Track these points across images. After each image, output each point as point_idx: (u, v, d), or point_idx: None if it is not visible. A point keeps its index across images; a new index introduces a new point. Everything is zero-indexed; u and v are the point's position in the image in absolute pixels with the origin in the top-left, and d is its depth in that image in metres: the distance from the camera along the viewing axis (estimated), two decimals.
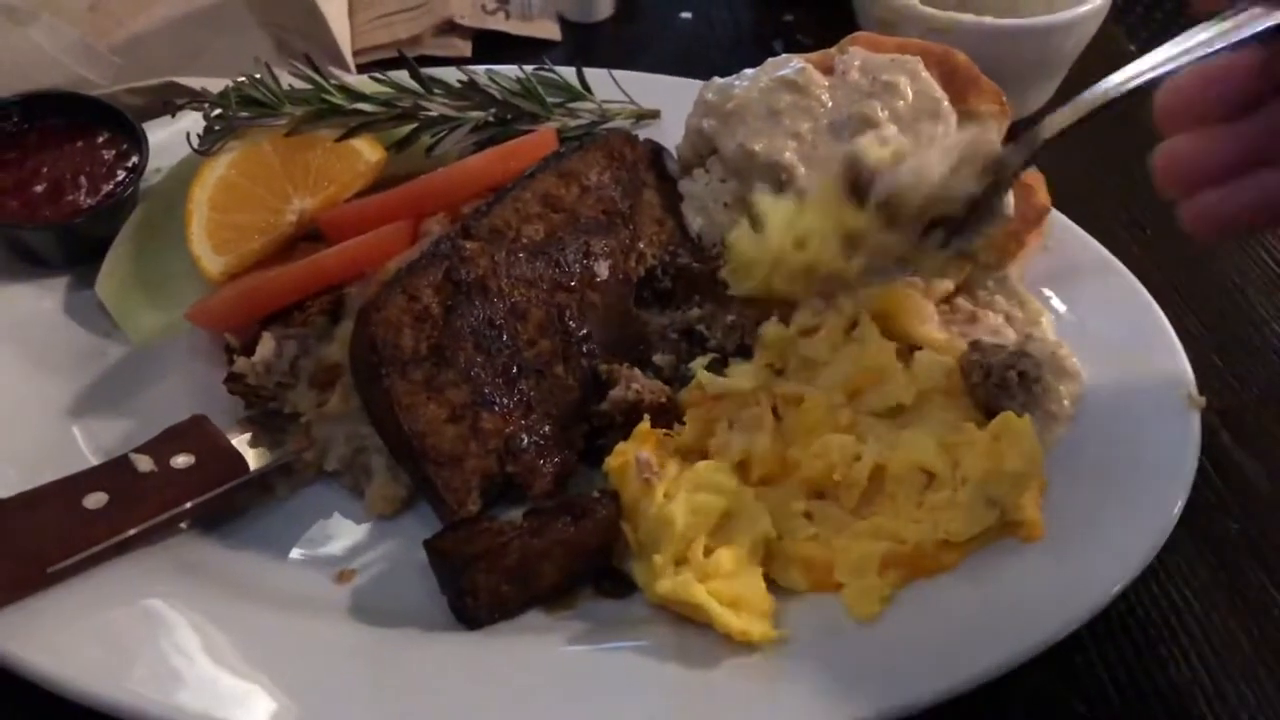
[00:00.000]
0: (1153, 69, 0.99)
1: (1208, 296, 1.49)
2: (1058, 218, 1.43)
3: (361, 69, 1.82)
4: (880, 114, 1.34)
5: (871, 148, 1.24)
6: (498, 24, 1.92)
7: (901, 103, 1.35)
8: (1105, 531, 1.15)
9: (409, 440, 1.14)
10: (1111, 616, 1.18)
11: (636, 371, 1.21)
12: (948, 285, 1.38)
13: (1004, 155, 1.18)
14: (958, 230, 1.21)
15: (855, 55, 1.39)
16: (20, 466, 1.21)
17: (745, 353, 1.30)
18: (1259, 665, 1.16)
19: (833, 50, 1.42)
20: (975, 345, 1.23)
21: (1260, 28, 0.87)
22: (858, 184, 1.23)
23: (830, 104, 1.36)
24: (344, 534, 1.21)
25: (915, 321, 1.29)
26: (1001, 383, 1.20)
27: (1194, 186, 0.90)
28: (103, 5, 1.83)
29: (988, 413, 1.20)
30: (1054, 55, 1.66)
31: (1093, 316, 1.36)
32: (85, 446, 1.27)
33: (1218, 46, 0.90)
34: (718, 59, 1.90)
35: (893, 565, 1.12)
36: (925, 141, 1.29)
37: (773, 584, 1.13)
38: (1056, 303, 1.38)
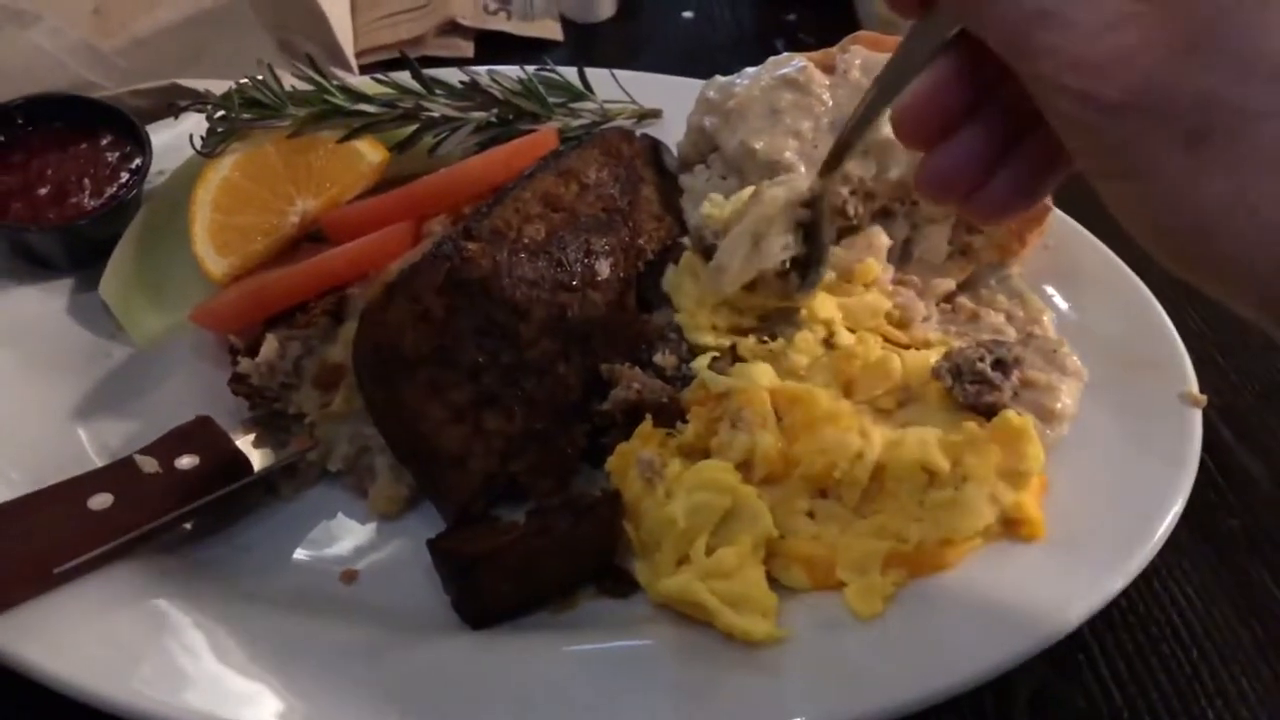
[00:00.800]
0: (878, 101, 0.98)
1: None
2: (1059, 216, 1.43)
3: (364, 69, 1.82)
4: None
5: (710, 211, 1.28)
6: (500, 24, 1.93)
7: None
8: (1106, 530, 1.15)
9: (412, 441, 1.14)
10: (1113, 614, 1.18)
11: (637, 371, 1.22)
12: (949, 284, 1.39)
13: (808, 193, 1.19)
14: (807, 265, 1.23)
15: (856, 54, 1.39)
16: (25, 468, 1.21)
17: None
18: (1260, 662, 1.16)
19: (834, 49, 1.42)
20: (945, 355, 1.23)
21: (947, 36, 0.86)
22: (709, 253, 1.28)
23: (831, 103, 1.36)
24: (348, 534, 1.22)
25: (898, 329, 1.30)
26: (978, 377, 1.20)
27: (925, 135, 0.89)
28: (106, 7, 1.84)
29: (979, 412, 1.20)
30: None
31: (1094, 314, 1.36)
32: (90, 448, 1.27)
33: (917, 64, 0.89)
34: (719, 58, 1.90)
35: (895, 564, 1.12)
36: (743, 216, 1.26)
37: (775, 582, 1.13)
38: (1058, 301, 1.38)
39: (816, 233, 1.21)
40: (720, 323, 1.29)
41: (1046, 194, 0.93)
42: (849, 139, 1.06)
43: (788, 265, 1.23)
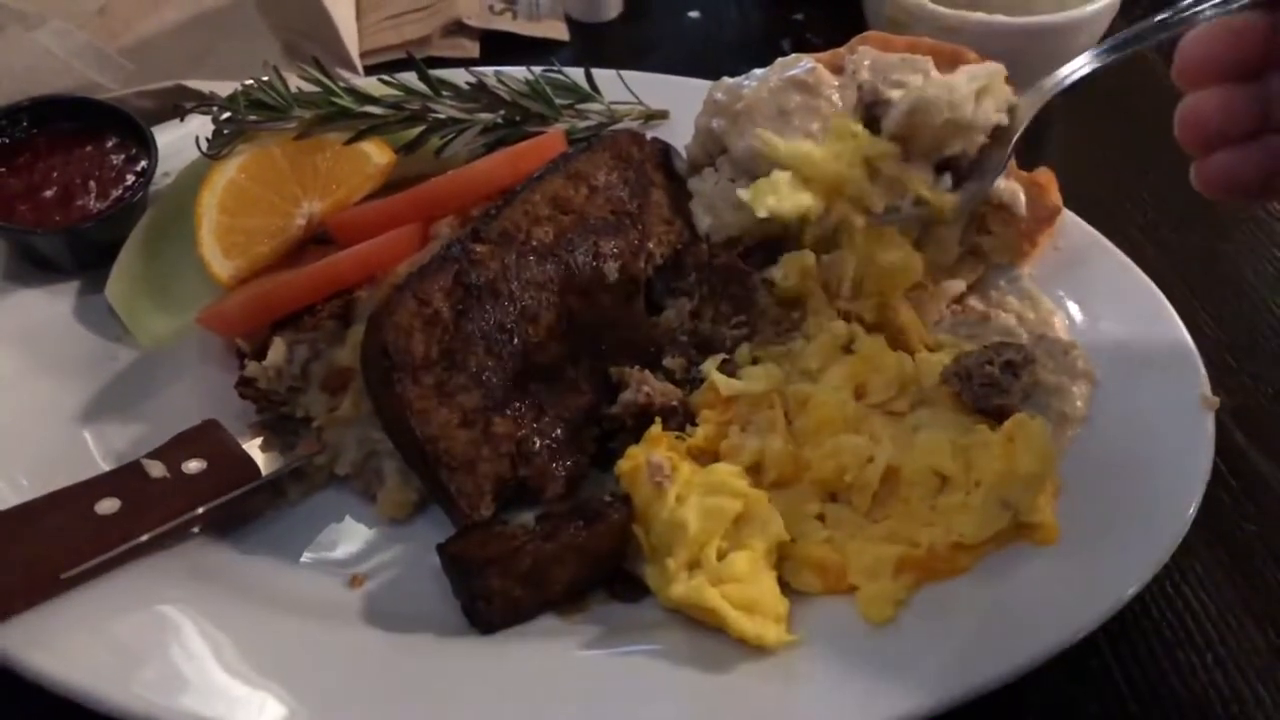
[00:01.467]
0: (1156, 25, 1.04)
1: (1222, 296, 1.48)
2: (1070, 217, 1.42)
3: (370, 70, 1.81)
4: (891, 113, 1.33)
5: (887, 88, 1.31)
6: (505, 25, 1.92)
7: None
8: (1120, 534, 1.14)
9: (421, 445, 1.14)
10: (1126, 619, 1.17)
11: (647, 374, 1.21)
12: (960, 285, 1.38)
13: (1018, 100, 1.25)
14: (966, 175, 1.26)
15: (865, 55, 1.38)
16: (33, 472, 1.21)
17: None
18: (1276, 667, 1.15)
19: (842, 50, 1.41)
20: (954, 359, 1.23)
21: None
22: (872, 114, 1.30)
23: (840, 104, 1.35)
24: (356, 538, 1.21)
25: (912, 332, 1.29)
26: (987, 380, 1.19)
27: (1211, 145, 0.93)
28: (111, 8, 1.83)
29: (989, 416, 1.19)
30: (1065, 53, 1.62)
31: (1105, 316, 1.35)
32: (97, 451, 1.27)
33: (1225, 7, 0.93)
34: (727, 59, 1.88)
35: (906, 568, 1.11)
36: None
37: (786, 586, 1.12)
38: (1069, 303, 1.36)
39: (998, 142, 1.25)
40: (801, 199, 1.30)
41: None
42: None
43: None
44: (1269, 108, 0.91)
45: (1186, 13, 0.98)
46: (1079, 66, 1.12)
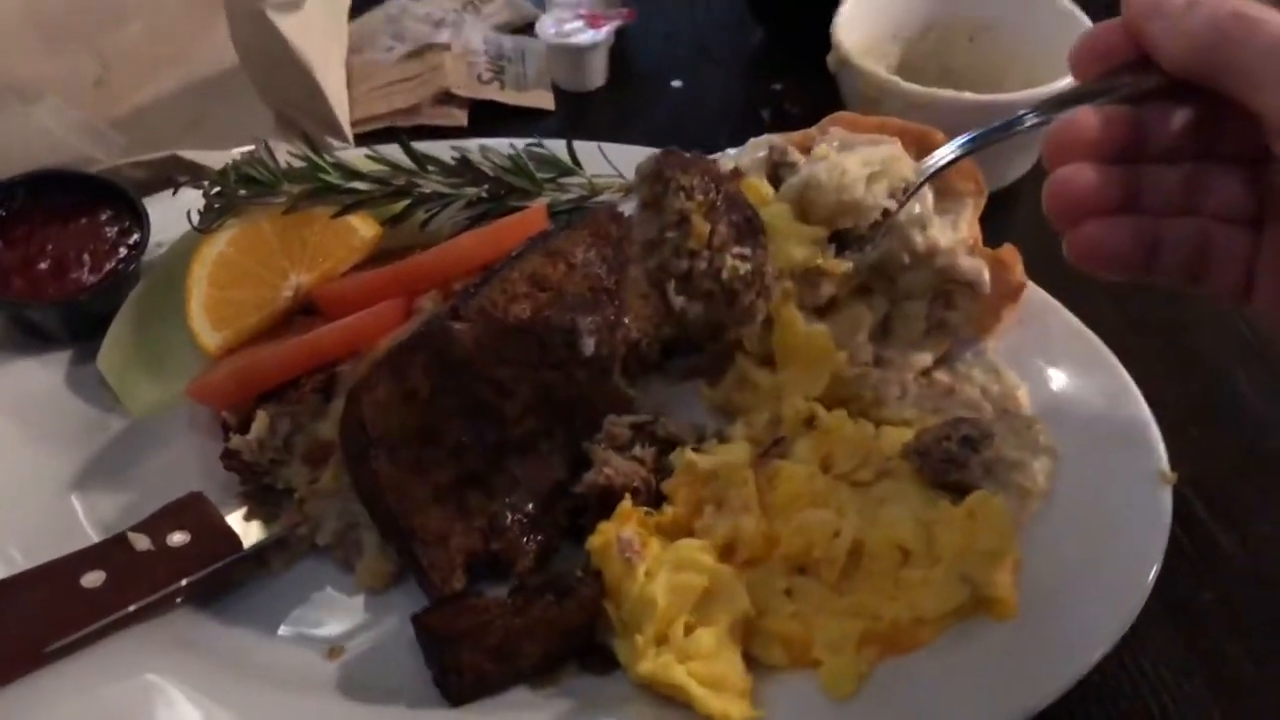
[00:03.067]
0: (1039, 109, 1.09)
1: (1186, 367, 1.52)
2: (1034, 291, 1.46)
3: (360, 138, 1.86)
4: (859, 193, 1.38)
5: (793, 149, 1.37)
6: (493, 94, 1.97)
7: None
8: (1079, 607, 1.17)
9: (395, 519, 1.17)
10: (1085, 687, 1.19)
11: (611, 454, 1.24)
12: (927, 358, 1.42)
13: (909, 177, 1.30)
14: (854, 244, 1.33)
15: (834, 136, 1.43)
16: (23, 541, 1.25)
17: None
18: None
19: (813, 130, 1.46)
20: (915, 435, 1.26)
21: (1131, 90, 0.96)
22: (776, 174, 1.38)
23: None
24: (335, 608, 1.24)
25: (874, 406, 1.33)
26: (946, 456, 1.23)
27: (1080, 216, 0.96)
28: (109, 79, 1.89)
29: (950, 491, 1.23)
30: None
31: (1068, 390, 1.38)
32: (86, 520, 1.30)
33: (1095, 98, 0.98)
34: (708, 127, 1.95)
35: (869, 642, 1.14)
36: (846, 151, 1.37)
37: (753, 660, 1.15)
38: (1033, 375, 1.40)
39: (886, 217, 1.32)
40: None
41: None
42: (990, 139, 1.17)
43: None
44: (1137, 191, 0.96)
45: (1057, 109, 1.03)
46: (943, 155, 1.18)
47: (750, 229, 1.33)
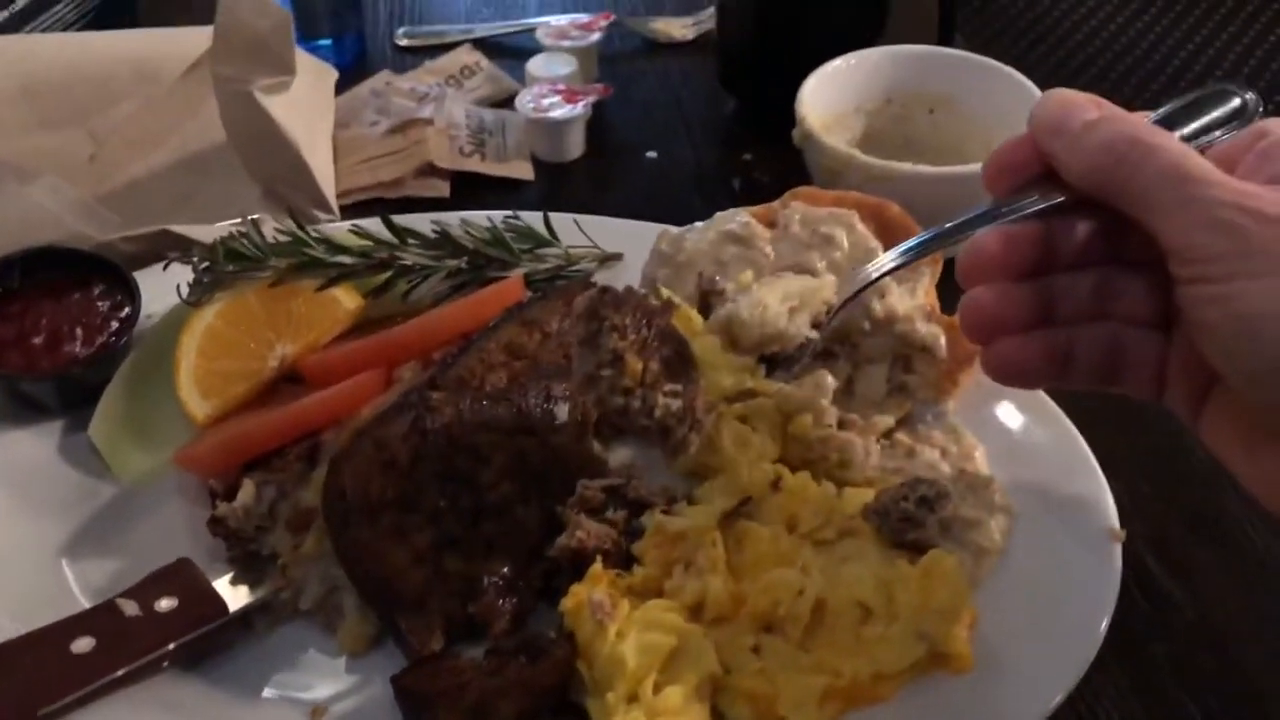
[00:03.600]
0: (946, 232, 1.13)
1: (1139, 424, 1.57)
2: None
3: (346, 209, 1.93)
4: (819, 264, 1.45)
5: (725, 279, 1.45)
6: (474, 166, 2.04)
7: (839, 253, 1.46)
8: (1032, 659, 1.22)
9: (374, 583, 1.22)
10: None
11: (584, 517, 1.29)
12: (889, 420, 1.47)
13: (830, 301, 1.38)
14: (783, 365, 1.41)
15: (796, 209, 1.50)
16: (14, 607, 1.29)
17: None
18: None
19: (776, 204, 1.53)
20: (875, 496, 1.32)
21: (1038, 207, 1.00)
22: (706, 301, 1.46)
23: (773, 255, 1.46)
24: (317, 670, 1.28)
25: (839, 467, 1.39)
26: (903, 516, 1.28)
27: (993, 335, 1.02)
28: (102, 156, 1.96)
29: (908, 549, 1.28)
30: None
31: (1022, 450, 1.44)
32: (76, 586, 1.34)
33: (1005, 217, 1.02)
34: (681, 195, 2.02)
35: (831, 698, 1.19)
36: (768, 282, 1.45)
37: (721, 717, 1.20)
38: (989, 436, 1.46)
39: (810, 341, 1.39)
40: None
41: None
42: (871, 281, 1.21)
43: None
44: (1049, 303, 1.00)
45: (973, 227, 1.06)
46: (882, 264, 1.21)
47: (682, 363, 1.41)
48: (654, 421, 1.39)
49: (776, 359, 1.43)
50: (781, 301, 1.40)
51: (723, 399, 1.41)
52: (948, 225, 1.11)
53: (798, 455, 1.43)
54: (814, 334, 1.41)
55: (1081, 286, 0.99)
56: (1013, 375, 1.03)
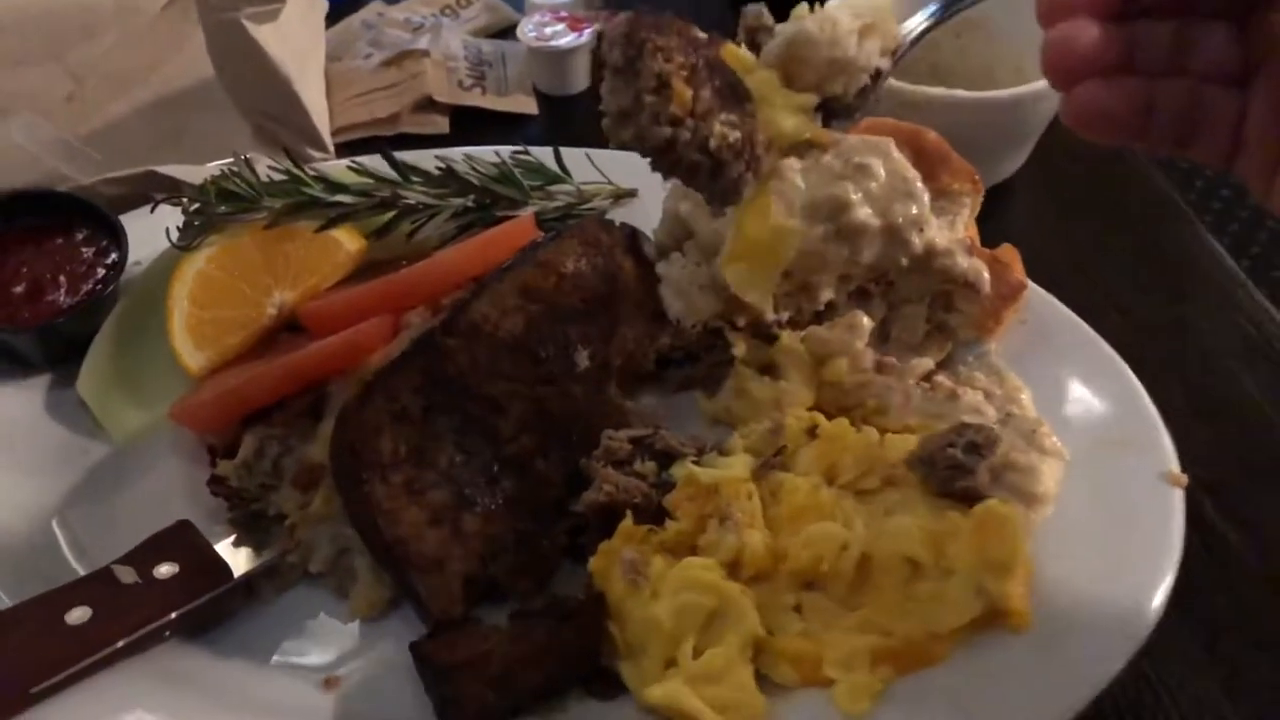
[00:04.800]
0: None
1: (1191, 367, 1.50)
2: (1035, 291, 1.44)
3: (341, 147, 1.83)
4: (853, 196, 1.35)
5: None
6: (474, 100, 1.93)
7: (874, 184, 1.36)
8: (1094, 617, 1.14)
9: (389, 544, 1.14)
10: (1102, 698, 1.16)
11: (609, 470, 1.21)
12: (928, 363, 1.39)
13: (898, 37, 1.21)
14: (842, 114, 1.23)
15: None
16: (3, 578, 1.21)
17: None
18: None
19: None
20: (919, 443, 1.23)
21: None
22: (754, 40, 1.24)
23: (804, 187, 1.36)
24: (329, 637, 1.20)
25: (876, 414, 1.30)
26: (951, 463, 1.20)
27: (1077, 76, 0.92)
28: (80, 94, 1.84)
29: (958, 499, 1.20)
30: (1026, 124, 1.67)
31: (1072, 392, 1.35)
32: (69, 552, 1.26)
33: None
34: None
35: (882, 659, 1.11)
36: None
37: (764, 679, 1.12)
38: (1036, 378, 1.37)
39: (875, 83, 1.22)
40: None
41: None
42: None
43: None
44: (1134, 50, 0.92)
45: None
46: (919, 22, 1.12)
47: (736, 95, 1.17)
48: (707, 156, 1.14)
49: (834, 107, 1.22)
50: (853, 19, 1.19)
51: (780, 146, 1.21)
52: None
53: (832, 402, 1.35)
54: (885, 63, 1.22)
55: (1161, 35, 0.92)
56: (1096, 122, 0.93)
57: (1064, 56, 0.92)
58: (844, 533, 1.18)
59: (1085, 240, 1.71)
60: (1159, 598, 1.15)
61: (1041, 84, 1.61)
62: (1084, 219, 1.75)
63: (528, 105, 1.95)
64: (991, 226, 1.49)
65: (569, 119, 1.95)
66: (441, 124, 1.91)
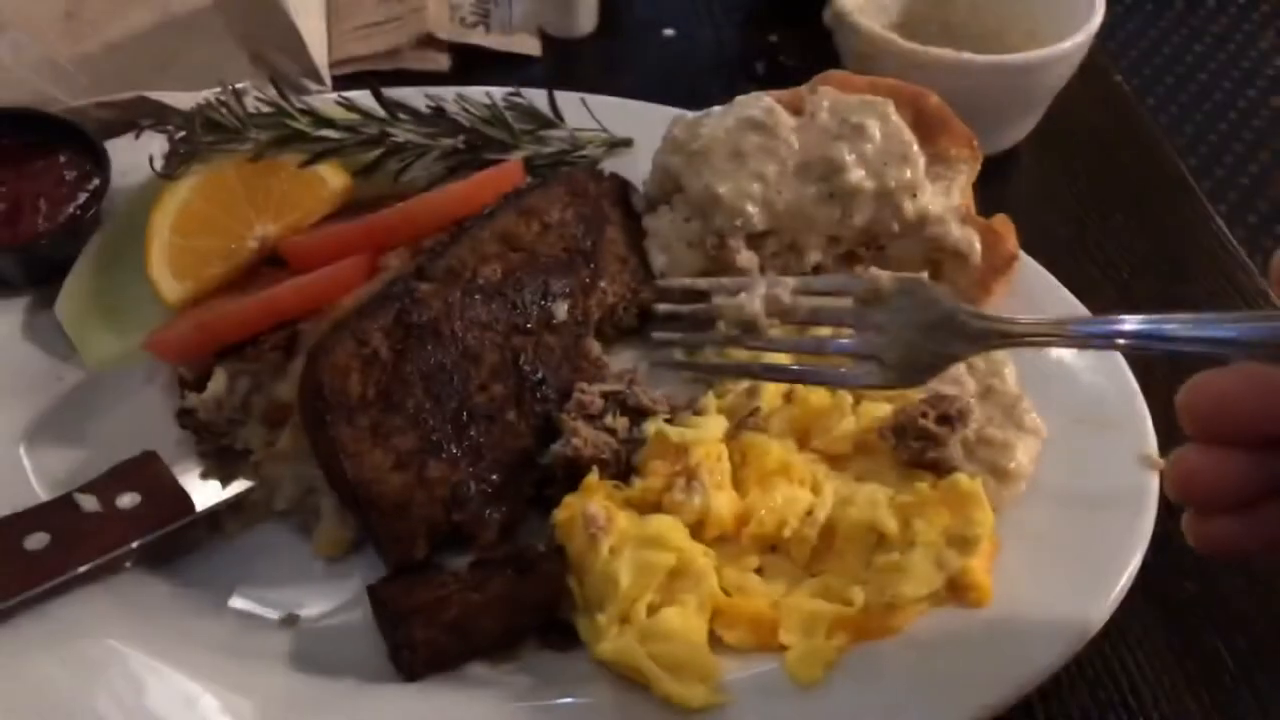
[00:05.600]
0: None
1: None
2: (1027, 263, 1.41)
3: (338, 81, 1.80)
4: (847, 157, 1.32)
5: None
6: (477, 38, 1.90)
7: (869, 146, 1.33)
8: (1056, 597, 1.13)
9: (353, 486, 1.13)
10: (1061, 678, 1.16)
11: (581, 423, 1.19)
12: None
13: None
14: None
15: (825, 95, 1.36)
16: None
17: None
18: None
19: (803, 89, 1.40)
20: (893, 414, 1.22)
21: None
22: None
23: (797, 146, 1.34)
24: (291, 575, 1.20)
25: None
26: (922, 434, 1.18)
27: (1207, 508, 0.81)
28: (79, 11, 1.81)
29: (928, 469, 1.18)
30: (1036, 91, 1.63)
31: (1057, 369, 1.33)
32: (34, 477, 1.25)
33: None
34: (700, 78, 1.88)
35: (840, 627, 1.10)
36: None
37: (720, 641, 1.12)
38: (1020, 352, 1.35)
39: None
40: None
41: None
42: None
43: None
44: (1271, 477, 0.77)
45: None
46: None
47: None
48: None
49: None
50: None
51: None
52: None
53: None
54: None
55: None
56: (1228, 556, 0.84)
57: (1186, 490, 0.80)
58: (810, 498, 1.17)
59: (1087, 214, 1.67)
60: (1123, 580, 1.14)
61: (1052, 50, 1.57)
62: (1088, 192, 1.71)
63: (531, 46, 1.92)
64: (992, 195, 1.46)
65: (573, 63, 1.92)
66: (441, 62, 1.87)
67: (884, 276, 1.13)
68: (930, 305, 1.08)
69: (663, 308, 1.31)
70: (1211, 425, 0.78)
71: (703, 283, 1.30)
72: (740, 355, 1.30)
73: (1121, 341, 0.93)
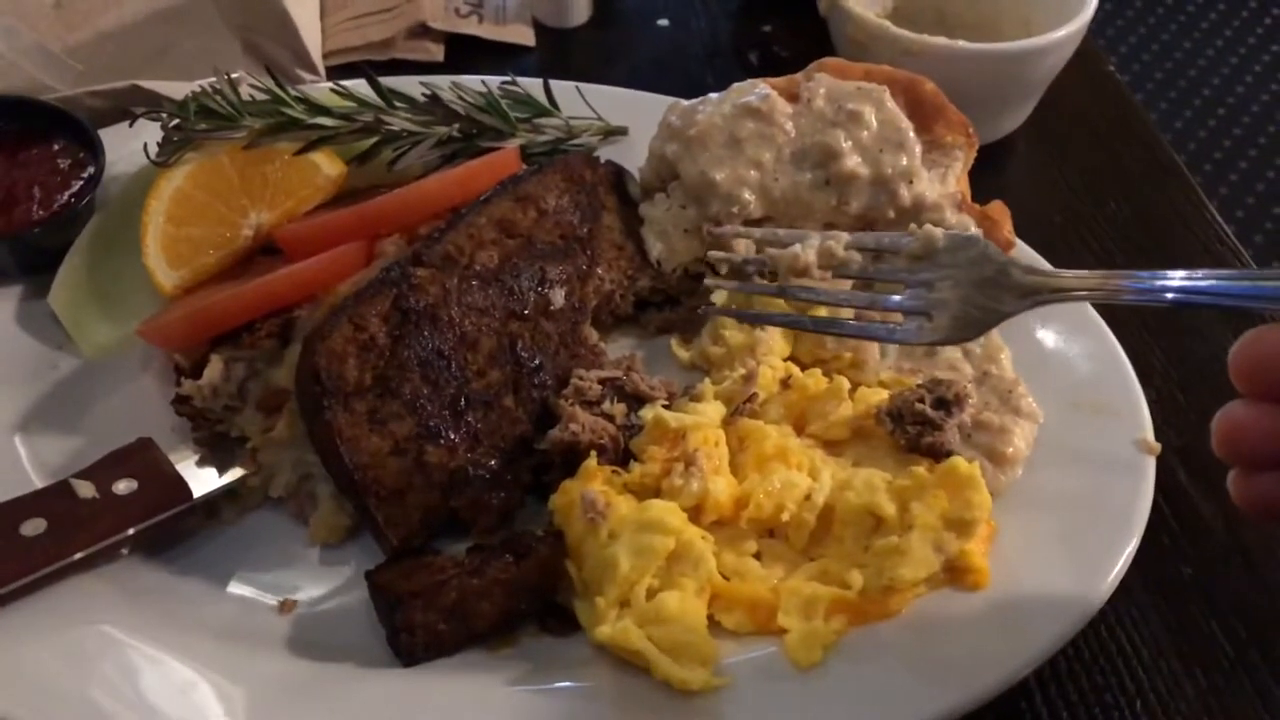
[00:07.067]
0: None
1: (1174, 332, 1.48)
2: (1023, 250, 1.41)
3: (332, 71, 1.79)
4: (843, 144, 1.32)
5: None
6: (471, 28, 1.90)
7: (865, 133, 1.33)
8: (1053, 580, 1.14)
9: (350, 472, 1.13)
10: (1058, 661, 1.17)
11: (579, 409, 1.19)
12: None
13: None
14: None
15: (821, 82, 1.36)
16: None
17: None
18: (1204, 715, 1.15)
19: (799, 76, 1.40)
20: (889, 398, 1.22)
21: None
22: None
23: (793, 133, 1.34)
24: (288, 562, 1.20)
25: (852, 367, 1.29)
26: (919, 419, 1.19)
27: (1253, 465, 0.81)
28: (69, 2, 1.81)
29: (925, 454, 1.19)
30: (1030, 79, 1.64)
31: (1054, 354, 1.34)
32: (29, 464, 1.25)
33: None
34: (693, 68, 1.88)
35: (838, 610, 1.11)
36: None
37: (718, 624, 1.12)
38: (1017, 338, 1.35)
39: None
40: None
41: None
42: None
43: None
44: None
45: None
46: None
47: None
48: None
49: None
50: None
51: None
52: None
53: (809, 354, 1.33)
54: None
55: None
56: (1264, 515, 0.82)
57: (1232, 446, 0.81)
58: (808, 482, 1.17)
59: (1082, 201, 1.68)
60: (1119, 564, 1.14)
61: (1047, 38, 1.58)
62: (1083, 180, 1.72)
63: (525, 36, 1.91)
64: (988, 182, 1.46)
65: (567, 53, 1.92)
66: (436, 52, 1.87)
67: (937, 233, 1.15)
68: (982, 261, 1.11)
69: (715, 255, 1.31)
70: (1261, 381, 0.79)
71: (757, 232, 1.30)
72: (739, 342, 1.30)
73: (1170, 296, 0.96)
